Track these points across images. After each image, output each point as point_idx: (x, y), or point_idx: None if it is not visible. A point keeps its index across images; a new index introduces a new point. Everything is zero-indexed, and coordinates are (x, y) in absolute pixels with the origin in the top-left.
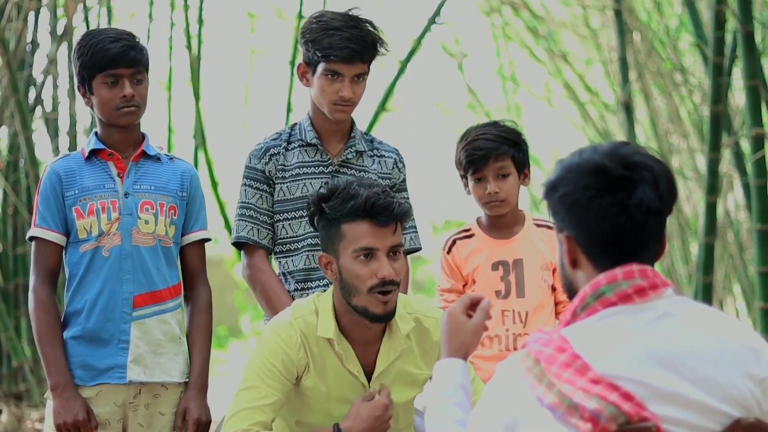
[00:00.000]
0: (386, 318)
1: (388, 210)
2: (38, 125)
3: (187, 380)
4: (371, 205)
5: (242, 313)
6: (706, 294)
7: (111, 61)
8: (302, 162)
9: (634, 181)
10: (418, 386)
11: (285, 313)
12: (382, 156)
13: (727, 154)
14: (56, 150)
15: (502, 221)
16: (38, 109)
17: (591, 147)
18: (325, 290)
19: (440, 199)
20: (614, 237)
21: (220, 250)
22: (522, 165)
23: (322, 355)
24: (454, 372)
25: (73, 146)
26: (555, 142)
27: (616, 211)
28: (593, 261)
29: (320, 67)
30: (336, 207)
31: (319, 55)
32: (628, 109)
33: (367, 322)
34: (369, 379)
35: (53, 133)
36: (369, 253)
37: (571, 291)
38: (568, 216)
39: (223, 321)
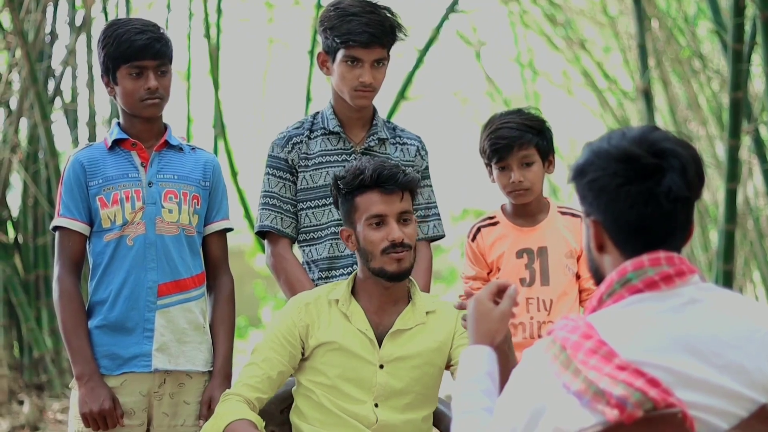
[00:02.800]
0: (401, 276)
1: (394, 179)
2: (57, 116)
3: (211, 369)
4: (378, 176)
5: (263, 304)
6: (727, 281)
7: (137, 53)
8: (325, 150)
9: (663, 169)
10: (436, 352)
11: (294, 299)
12: (404, 143)
13: (746, 141)
14: (75, 141)
15: (526, 209)
16: (57, 100)
17: (620, 132)
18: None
19: (458, 188)
20: (642, 225)
21: (239, 240)
22: (546, 153)
23: (330, 315)
24: (481, 359)
25: (92, 137)
26: (574, 130)
27: (644, 200)
28: (620, 247)
29: (340, 54)
30: (349, 182)
31: (338, 41)
32: (647, 96)
33: (385, 282)
34: (378, 339)
35: (72, 124)
36: (380, 220)
37: (598, 275)
38: (595, 202)
39: (243, 311)
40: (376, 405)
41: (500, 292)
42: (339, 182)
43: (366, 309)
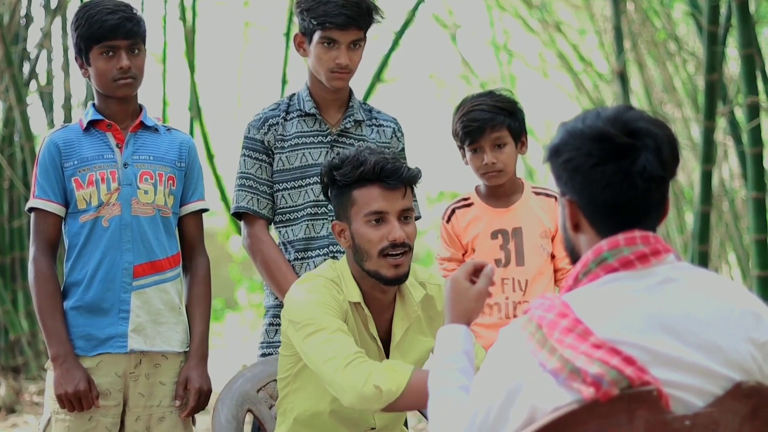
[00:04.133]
0: (398, 281)
1: (397, 173)
2: (33, 99)
3: (187, 350)
4: (380, 169)
5: (238, 286)
6: (702, 262)
7: (108, 33)
8: (301, 132)
9: (637, 149)
10: (426, 355)
11: (315, 278)
12: (380, 125)
13: (721, 123)
14: (51, 124)
15: (500, 190)
16: (33, 83)
17: (594, 111)
18: (325, 259)
19: (434, 170)
20: (617, 204)
21: (213, 223)
22: (519, 134)
23: (348, 318)
24: (457, 338)
25: (68, 119)
26: (549, 113)
27: (618, 179)
28: (595, 226)
29: (316, 36)
30: (347, 174)
31: (315, 23)
32: (623, 78)
33: (381, 286)
34: (384, 348)
35: (48, 106)
36: (380, 217)
37: (573, 254)
38: (570, 181)
39: (219, 294)
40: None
41: (477, 271)
42: (335, 172)
43: (370, 309)
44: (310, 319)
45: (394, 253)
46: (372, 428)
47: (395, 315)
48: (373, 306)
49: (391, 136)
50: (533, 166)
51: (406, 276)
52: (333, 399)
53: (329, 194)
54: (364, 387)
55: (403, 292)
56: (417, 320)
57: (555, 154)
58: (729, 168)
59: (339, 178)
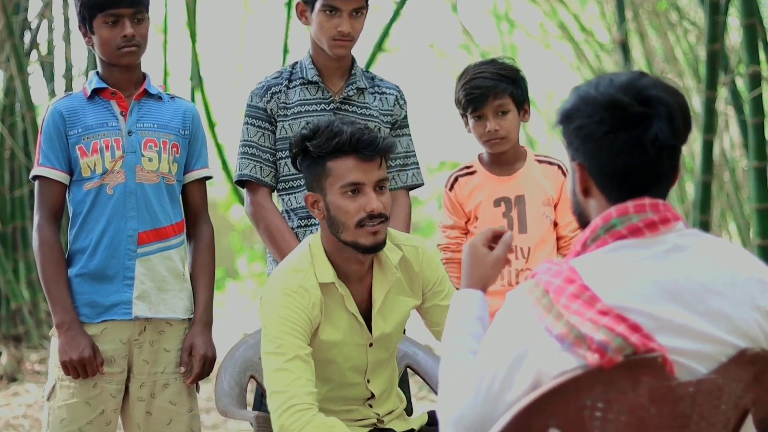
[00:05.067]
0: (376, 248)
1: (373, 144)
2: (34, 69)
3: (191, 317)
4: (356, 140)
5: (239, 255)
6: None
7: (112, 1)
8: (304, 99)
9: (650, 117)
10: (407, 315)
11: (289, 277)
12: (383, 93)
13: (723, 93)
14: (52, 93)
15: (503, 158)
16: (34, 53)
17: (608, 78)
18: None
19: (436, 140)
20: (628, 172)
21: (214, 192)
22: (521, 102)
23: (327, 302)
24: (472, 303)
25: (68, 89)
26: (551, 83)
27: (630, 148)
28: (605, 193)
29: (318, 4)
30: (321, 145)
31: None
32: (624, 48)
33: (359, 255)
34: (365, 317)
35: (49, 76)
36: (356, 188)
37: (582, 219)
38: (582, 148)
39: (220, 263)
40: (368, 381)
41: (495, 238)
42: (308, 143)
43: (347, 283)
44: (273, 337)
45: (371, 222)
46: (369, 397)
47: (374, 281)
48: (350, 278)
49: (394, 104)
50: (534, 136)
51: (383, 244)
52: (328, 388)
53: (300, 164)
54: None
55: (380, 256)
56: (397, 282)
57: (567, 119)
58: (730, 138)
59: (313, 149)
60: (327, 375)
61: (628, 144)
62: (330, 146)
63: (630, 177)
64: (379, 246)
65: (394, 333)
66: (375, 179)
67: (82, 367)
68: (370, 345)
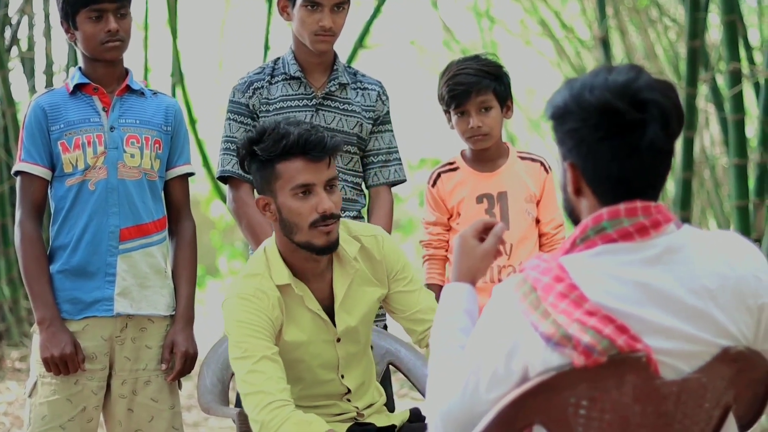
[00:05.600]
0: (331, 249)
1: (321, 144)
2: (14, 65)
3: (172, 313)
4: (304, 142)
5: (219, 253)
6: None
7: None
8: (286, 95)
9: (645, 122)
10: (375, 304)
11: (246, 282)
12: (365, 89)
13: (703, 90)
14: (32, 90)
15: (486, 154)
16: (14, 49)
17: (602, 76)
18: None
19: (416, 137)
20: (622, 177)
21: (195, 189)
22: (504, 98)
23: (287, 302)
24: (461, 297)
25: (49, 85)
26: (531, 80)
27: (625, 154)
28: (598, 194)
29: None
30: (269, 148)
31: None
32: (605, 45)
33: (314, 255)
34: (329, 312)
35: (29, 72)
36: (306, 189)
37: (573, 216)
38: (575, 150)
39: (200, 261)
40: (342, 376)
41: (486, 230)
42: (255, 147)
43: (306, 282)
44: (238, 342)
45: (324, 223)
46: (346, 392)
47: (334, 276)
48: (309, 277)
49: (376, 99)
50: (514, 132)
51: (336, 243)
52: (301, 387)
53: (248, 168)
54: None
55: (338, 251)
56: (359, 274)
57: (559, 119)
58: (710, 135)
59: (260, 152)
60: (297, 374)
61: (623, 150)
62: (278, 149)
63: (624, 181)
64: (332, 246)
65: (362, 325)
66: (325, 179)
67: (64, 363)
68: (338, 340)
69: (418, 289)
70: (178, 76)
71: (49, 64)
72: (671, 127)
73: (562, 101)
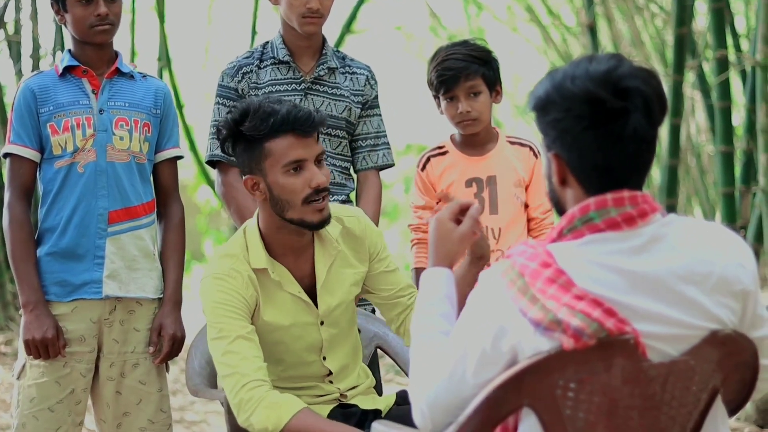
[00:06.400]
0: (324, 224)
1: (309, 120)
2: (1, 48)
3: (161, 296)
4: (293, 118)
5: (205, 237)
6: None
7: None
8: (275, 79)
9: (628, 111)
10: (357, 285)
11: (221, 262)
12: (354, 73)
13: (689, 78)
14: (19, 73)
15: (475, 139)
16: (0, 32)
17: (583, 66)
18: None
19: (402, 123)
20: (607, 166)
21: (181, 175)
22: (493, 83)
23: (267, 286)
24: (440, 282)
25: (36, 69)
26: (518, 66)
27: (609, 143)
28: (583, 184)
29: None
30: (257, 126)
31: None
32: (592, 31)
33: (301, 230)
34: (311, 294)
35: (16, 56)
36: (299, 165)
37: (558, 207)
38: (558, 140)
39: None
40: (324, 358)
41: (462, 211)
42: (241, 127)
43: (286, 264)
44: (213, 323)
45: (317, 198)
46: (327, 374)
47: (316, 256)
48: (289, 257)
49: (365, 84)
50: (501, 119)
51: (329, 218)
52: (281, 368)
53: (231, 149)
54: (247, 419)
55: (320, 232)
56: (340, 255)
57: (542, 110)
58: (696, 123)
59: (247, 131)
60: (277, 356)
61: (607, 139)
62: (266, 127)
63: (609, 170)
64: (326, 221)
65: (345, 306)
66: (315, 154)
67: (44, 347)
68: (321, 323)
69: (395, 269)
70: (165, 60)
71: (36, 47)
72: (654, 115)
73: (544, 92)
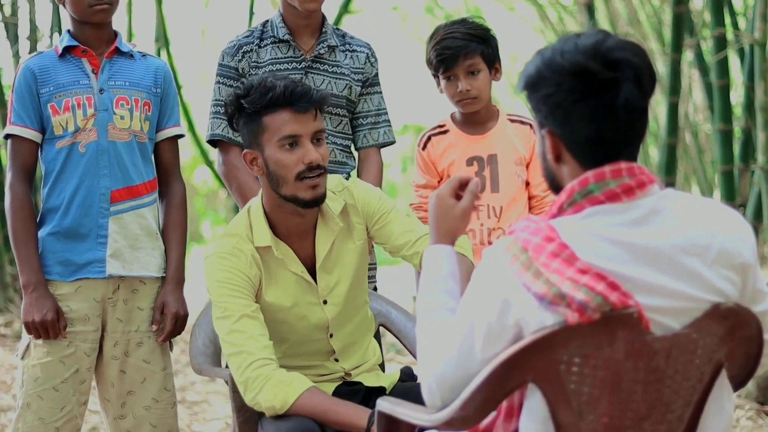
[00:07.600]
0: (317, 202)
1: (307, 96)
2: None
3: (164, 275)
4: (290, 93)
5: (202, 219)
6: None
7: None
8: (275, 58)
9: (619, 82)
10: (362, 257)
11: (224, 241)
12: (354, 51)
13: (686, 57)
14: (16, 55)
15: (476, 117)
16: None
17: (571, 42)
18: None
19: (399, 104)
20: (600, 138)
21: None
22: (492, 61)
23: (270, 265)
24: (443, 259)
25: (33, 50)
26: (514, 45)
27: (602, 114)
28: (578, 158)
29: None
30: (255, 101)
31: None
32: (590, 10)
33: (300, 209)
34: (312, 272)
35: (13, 38)
36: (293, 141)
37: (555, 184)
38: (551, 115)
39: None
40: (331, 335)
41: (462, 186)
42: (242, 101)
43: (289, 243)
44: (218, 302)
45: (310, 175)
46: (332, 352)
47: (318, 234)
48: (292, 236)
49: (365, 61)
50: (498, 98)
51: (323, 197)
52: (286, 346)
53: (236, 124)
54: (254, 398)
55: (322, 208)
56: (341, 231)
57: (533, 87)
58: (693, 103)
59: (247, 105)
60: (281, 335)
61: (600, 110)
62: (264, 101)
63: (603, 142)
64: (319, 200)
65: (350, 282)
66: (312, 131)
67: (44, 329)
68: (324, 302)
69: (392, 210)
70: (163, 41)
71: (33, 29)
72: (644, 85)
73: (534, 69)
